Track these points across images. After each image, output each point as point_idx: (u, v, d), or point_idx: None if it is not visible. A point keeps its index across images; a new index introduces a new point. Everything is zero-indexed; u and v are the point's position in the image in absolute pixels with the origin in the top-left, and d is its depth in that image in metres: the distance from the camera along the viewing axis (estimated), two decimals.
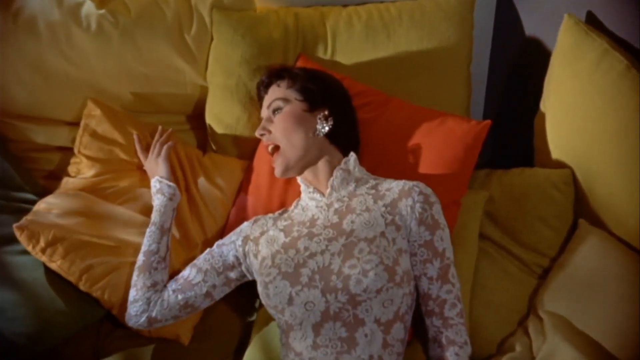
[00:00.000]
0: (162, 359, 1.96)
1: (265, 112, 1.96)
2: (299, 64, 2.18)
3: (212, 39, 2.19)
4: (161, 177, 2.01)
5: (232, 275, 1.90)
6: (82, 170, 2.08)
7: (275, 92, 1.95)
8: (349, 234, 1.74)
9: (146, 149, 2.11)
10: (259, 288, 1.78)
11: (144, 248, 1.92)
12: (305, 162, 1.88)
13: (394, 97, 2.16)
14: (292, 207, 1.95)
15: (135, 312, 1.88)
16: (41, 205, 1.96)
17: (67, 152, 2.16)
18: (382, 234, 1.73)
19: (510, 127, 2.48)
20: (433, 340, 1.76)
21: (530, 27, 2.37)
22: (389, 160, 2.05)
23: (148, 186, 2.07)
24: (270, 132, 1.91)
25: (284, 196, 2.10)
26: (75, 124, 2.16)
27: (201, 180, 2.13)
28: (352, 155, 1.90)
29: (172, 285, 1.90)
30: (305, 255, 1.74)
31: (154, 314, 1.87)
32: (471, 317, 1.95)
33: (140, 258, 1.92)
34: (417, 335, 1.87)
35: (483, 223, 2.08)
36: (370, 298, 1.65)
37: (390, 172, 1.97)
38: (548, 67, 2.08)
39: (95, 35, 2.10)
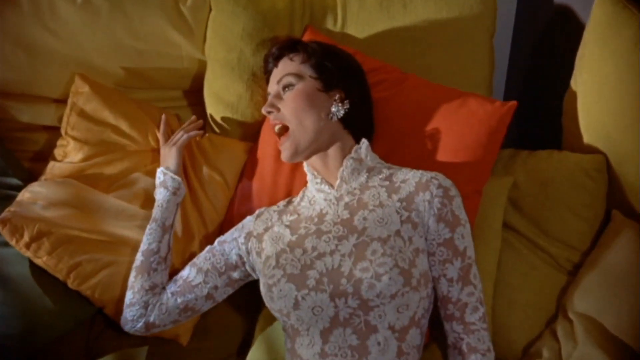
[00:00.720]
0: (160, 359, 1.91)
1: (274, 88, 1.84)
2: (306, 37, 2.07)
3: (210, 10, 2.09)
4: (167, 168, 1.91)
5: (236, 275, 1.82)
6: (69, 154, 1.98)
7: (287, 67, 1.84)
8: (361, 233, 1.65)
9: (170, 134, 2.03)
10: (262, 290, 1.69)
11: (143, 247, 1.85)
12: (316, 147, 1.78)
13: (410, 74, 2.04)
14: (298, 198, 1.85)
15: (132, 317, 1.81)
16: (25, 194, 1.87)
17: (54, 131, 2.07)
18: (397, 232, 1.63)
19: (535, 104, 2.42)
20: (453, 347, 1.66)
21: None
22: (404, 145, 1.94)
23: (142, 170, 1.98)
24: (278, 110, 1.79)
25: (290, 183, 1.99)
26: (62, 101, 2.07)
27: (200, 165, 2.03)
28: (364, 142, 1.79)
29: (170, 288, 1.83)
30: (313, 256, 1.65)
31: (151, 319, 1.81)
32: (494, 317, 1.90)
33: (139, 258, 1.84)
34: (434, 338, 1.80)
35: (506, 211, 1.99)
36: (383, 303, 1.56)
37: (405, 158, 1.90)
38: (580, 42, 1.98)
39: (81, 6, 2.00)
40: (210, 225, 2.01)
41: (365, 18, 2.11)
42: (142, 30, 2.04)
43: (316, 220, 1.73)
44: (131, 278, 1.83)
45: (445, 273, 1.64)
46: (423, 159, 1.90)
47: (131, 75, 2.12)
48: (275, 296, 1.62)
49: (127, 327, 1.82)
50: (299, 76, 1.80)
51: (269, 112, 1.81)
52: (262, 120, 2.06)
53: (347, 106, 1.79)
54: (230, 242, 1.82)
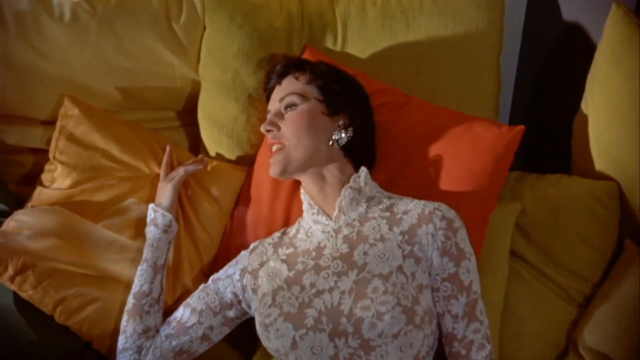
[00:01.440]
0: None
1: (275, 106, 1.79)
2: (305, 56, 2.01)
3: (204, 28, 2.04)
4: (158, 204, 1.85)
5: (231, 314, 1.77)
6: (57, 179, 1.92)
7: (292, 85, 1.79)
8: (361, 269, 1.59)
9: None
10: (258, 329, 1.63)
11: (134, 289, 1.79)
12: (308, 167, 1.73)
13: (413, 97, 1.99)
14: (294, 230, 1.79)
15: None
16: (10, 223, 1.82)
17: (42, 154, 2.01)
18: (400, 268, 1.58)
19: (543, 126, 2.38)
20: None
21: (570, 11, 2.25)
22: (407, 172, 1.89)
23: (134, 198, 1.93)
24: (279, 128, 1.74)
25: (288, 209, 1.93)
26: (50, 123, 2.01)
27: (193, 190, 1.97)
28: (363, 170, 1.74)
29: (164, 330, 1.78)
30: (311, 293, 1.60)
31: None
32: (501, 351, 1.86)
33: (130, 300, 1.79)
34: None
35: (514, 238, 1.94)
36: (386, 343, 1.50)
37: (408, 186, 1.86)
38: (592, 62, 1.94)
39: (69, 25, 1.94)
40: (204, 254, 1.95)
41: (367, 36, 2.06)
42: (133, 49, 1.99)
43: (314, 254, 1.67)
44: (123, 322, 1.78)
45: (450, 309, 1.59)
46: (426, 187, 1.85)
47: (122, 95, 2.06)
48: (272, 336, 1.57)
49: None
50: (304, 96, 1.75)
51: (269, 131, 1.75)
52: (259, 144, 2.00)
53: (350, 134, 1.74)
54: (225, 280, 1.76)
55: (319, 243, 1.68)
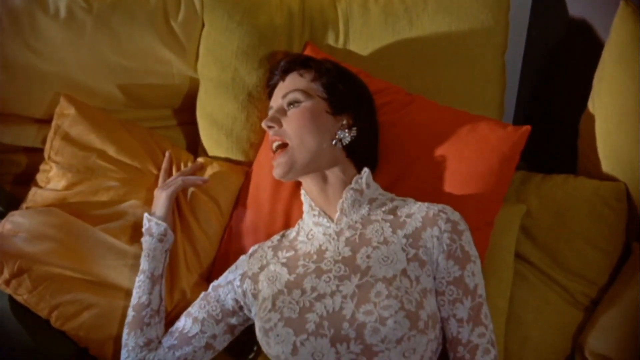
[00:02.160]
0: None
1: (277, 102, 1.77)
2: (306, 53, 2.00)
3: (203, 26, 2.02)
4: (152, 213, 1.84)
5: (234, 321, 1.75)
6: (52, 180, 1.91)
7: (296, 82, 1.77)
8: (364, 273, 1.57)
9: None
10: (258, 334, 1.61)
11: (133, 301, 1.77)
12: (312, 169, 1.71)
13: (417, 96, 1.98)
14: (294, 232, 1.78)
15: None
16: (6, 225, 1.79)
17: (37, 153, 2.00)
18: (404, 271, 1.56)
19: (548, 125, 2.36)
20: None
21: (576, 8, 2.23)
22: (410, 173, 1.87)
23: (131, 200, 1.91)
24: (280, 125, 1.72)
25: (289, 210, 1.91)
26: (45, 121, 2.00)
27: (191, 191, 1.94)
28: (366, 172, 1.72)
29: (167, 341, 1.76)
30: (312, 297, 1.57)
31: None
32: (506, 356, 1.84)
33: (130, 313, 1.77)
34: None
35: (519, 241, 1.92)
36: (388, 348, 1.48)
37: (412, 187, 1.84)
38: (599, 61, 1.92)
39: (65, 22, 1.92)
40: (202, 256, 1.93)
41: (369, 34, 2.05)
42: (130, 46, 1.98)
43: (315, 257, 1.65)
44: (124, 335, 1.76)
45: (455, 313, 1.57)
46: (430, 188, 1.84)
47: (119, 94, 2.05)
48: (272, 342, 1.55)
49: None
50: (308, 94, 1.73)
51: (270, 127, 1.73)
52: (259, 143, 1.99)
53: (354, 133, 1.72)
54: (225, 286, 1.74)
55: (320, 246, 1.66)
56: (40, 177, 1.92)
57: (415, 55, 2.04)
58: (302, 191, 1.75)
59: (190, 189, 1.92)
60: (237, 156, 2.04)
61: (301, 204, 1.80)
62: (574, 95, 2.08)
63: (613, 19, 1.84)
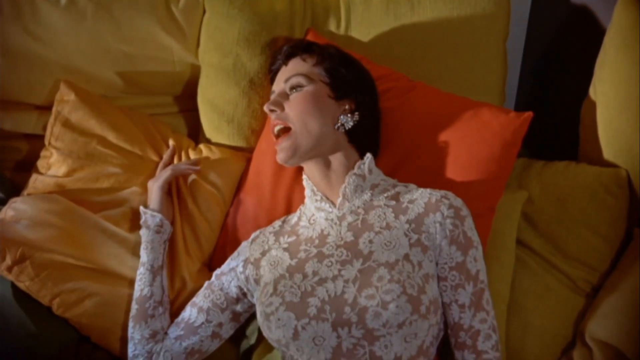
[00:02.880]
0: None
1: (280, 86, 1.76)
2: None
3: (204, 12, 2.02)
4: (147, 205, 1.84)
5: (239, 308, 1.75)
6: (52, 166, 1.91)
7: (299, 66, 1.76)
8: (367, 257, 1.57)
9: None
10: (259, 319, 1.61)
11: (135, 294, 1.77)
12: (315, 154, 1.70)
13: (419, 82, 1.97)
14: (296, 217, 1.77)
15: None
16: (8, 212, 1.79)
17: (38, 140, 2.00)
18: (406, 256, 1.55)
19: (549, 111, 2.35)
20: None
21: None
22: (412, 159, 1.86)
23: (131, 187, 1.91)
24: (283, 109, 1.71)
25: (290, 196, 1.91)
26: (46, 108, 1.99)
27: (192, 177, 1.94)
28: (368, 157, 1.71)
29: (173, 332, 1.76)
30: (314, 282, 1.57)
31: None
32: (507, 342, 1.83)
33: (133, 306, 1.77)
34: None
35: (520, 227, 1.93)
36: (390, 333, 1.48)
37: (414, 173, 1.83)
38: (600, 47, 1.91)
39: (65, 9, 1.93)
40: (204, 242, 1.92)
41: (371, 20, 2.04)
42: (131, 32, 1.98)
43: (317, 242, 1.65)
44: (130, 329, 1.76)
45: (457, 299, 1.57)
46: (432, 174, 1.83)
47: (119, 80, 2.05)
48: (273, 326, 1.55)
49: None
50: (310, 78, 1.72)
51: (272, 111, 1.72)
52: (260, 129, 1.98)
53: (356, 118, 1.71)
54: (229, 274, 1.74)
55: (322, 231, 1.66)
56: (40, 164, 1.92)
57: (417, 42, 2.03)
58: (304, 176, 1.74)
59: (192, 176, 1.92)
60: (239, 142, 2.04)
61: (302, 189, 1.80)
62: (576, 82, 2.08)
63: (614, 5, 1.83)
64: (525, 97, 2.54)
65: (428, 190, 1.65)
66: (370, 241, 1.59)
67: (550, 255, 1.89)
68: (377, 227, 1.61)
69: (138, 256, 1.80)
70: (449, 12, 2.02)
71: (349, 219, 1.65)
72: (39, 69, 1.97)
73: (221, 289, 1.73)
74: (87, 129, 1.92)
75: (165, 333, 1.75)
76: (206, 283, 1.76)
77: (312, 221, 1.70)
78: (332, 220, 1.66)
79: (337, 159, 1.70)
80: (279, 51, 1.84)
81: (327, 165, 1.70)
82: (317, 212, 1.69)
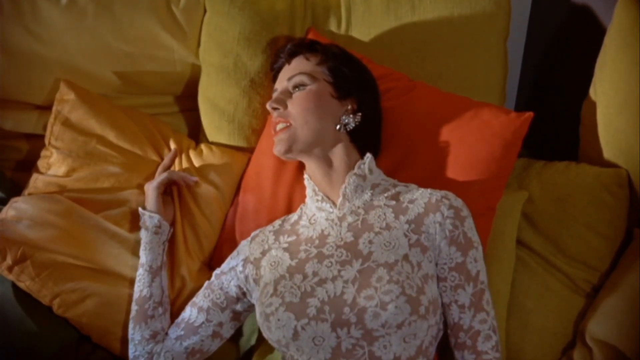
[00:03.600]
0: None
1: (283, 84, 1.76)
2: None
3: (204, 11, 2.02)
4: (144, 207, 1.83)
5: (239, 307, 1.75)
6: (52, 166, 1.91)
7: (302, 65, 1.75)
8: (366, 258, 1.57)
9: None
10: (259, 319, 1.61)
11: (134, 295, 1.77)
12: (313, 149, 1.70)
13: (419, 82, 1.97)
14: (296, 216, 1.76)
15: None
16: (9, 212, 1.78)
17: (38, 139, 1.99)
18: (405, 257, 1.55)
19: (549, 111, 2.34)
20: None
21: None
22: (413, 159, 1.86)
23: (131, 187, 1.91)
24: (285, 107, 1.70)
25: (291, 196, 1.90)
26: (46, 108, 1.99)
27: (193, 177, 1.93)
28: (368, 157, 1.71)
29: (173, 332, 1.75)
30: (314, 282, 1.57)
31: None
32: (507, 342, 1.84)
33: (133, 307, 1.77)
34: None
35: (521, 227, 1.92)
36: (389, 333, 1.48)
37: (414, 173, 1.83)
38: (601, 47, 1.91)
39: (66, 7, 1.93)
40: (204, 241, 1.92)
41: (371, 20, 2.03)
42: (131, 32, 1.97)
43: (317, 242, 1.64)
44: (130, 330, 1.75)
45: (456, 299, 1.57)
46: (433, 174, 1.83)
47: (120, 80, 2.04)
48: (273, 326, 1.55)
49: None
50: (313, 77, 1.71)
51: (275, 109, 1.71)
52: (260, 129, 1.98)
53: (358, 119, 1.71)
54: (228, 273, 1.74)
55: (322, 231, 1.66)
56: (41, 163, 1.92)
57: (417, 42, 2.02)
58: (305, 176, 1.74)
59: (192, 174, 1.91)
60: (239, 142, 2.03)
61: (303, 189, 1.79)
62: (576, 82, 2.07)
63: (615, 5, 1.83)
64: (525, 97, 2.53)
65: (428, 190, 1.65)
66: (370, 241, 1.58)
67: (551, 255, 1.88)
68: (376, 227, 1.61)
69: (138, 256, 1.79)
70: (449, 12, 2.01)
71: (349, 219, 1.64)
72: (39, 69, 1.97)
73: (221, 289, 1.72)
74: (87, 129, 1.91)
75: (166, 333, 1.75)
76: (206, 283, 1.76)
77: (312, 221, 1.69)
78: (332, 220, 1.66)
79: (338, 158, 1.69)
80: (282, 49, 1.83)
81: (329, 164, 1.70)
82: (318, 212, 1.68)
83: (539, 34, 2.44)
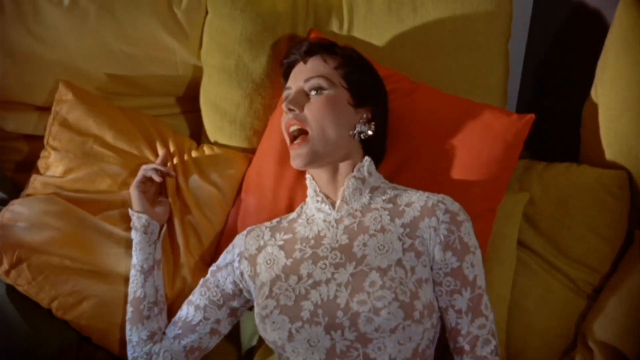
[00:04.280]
0: None
1: (299, 84, 1.71)
2: None
3: (206, 13, 2.00)
4: (131, 208, 1.81)
5: (235, 304, 1.74)
6: (50, 166, 1.90)
7: (320, 67, 1.71)
8: (360, 261, 1.56)
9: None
10: (256, 320, 1.62)
11: (129, 297, 1.76)
12: (331, 160, 1.67)
13: (421, 83, 1.96)
14: (295, 214, 1.76)
15: None
16: (6, 214, 1.77)
17: (38, 141, 1.98)
18: (399, 261, 1.54)
19: (550, 113, 2.32)
20: None
21: None
22: (414, 161, 1.85)
23: (128, 188, 1.87)
24: (302, 110, 1.67)
25: (292, 197, 1.90)
26: (47, 109, 1.98)
27: (194, 178, 1.93)
28: (367, 160, 1.69)
29: (171, 331, 1.75)
30: (308, 284, 1.57)
31: None
32: (508, 344, 1.83)
33: (129, 309, 1.76)
34: None
35: (522, 228, 1.92)
36: (383, 337, 1.49)
37: (415, 175, 1.83)
38: (602, 48, 1.90)
39: (68, 9, 1.92)
40: (206, 242, 1.91)
41: (373, 21, 2.02)
42: (133, 34, 1.97)
43: (312, 242, 1.64)
44: (127, 332, 1.75)
45: (453, 304, 1.56)
46: (434, 176, 1.82)
47: (121, 81, 2.04)
48: (268, 328, 1.56)
49: None
50: (332, 82, 1.68)
51: (291, 110, 1.67)
52: (262, 130, 1.97)
53: (373, 128, 1.69)
54: (224, 269, 1.73)
55: (319, 232, 1.65)
56: (40, 164, 1.92)
57: (419, 43, 2.02)
58: (308, 175, 1.72)
59: (194, 175, 1.91)
60: (241, 143, 2.03)
61: (304, 189, 1.78)
62: (577, 84, 2.07)
63: (616, 6, 1.82)
64: (526, 98, 2.52)
65: (426, 193, 1.63)
66: (364, 244, 1.58)
67: (552, 256, 1.88)
68: (371, 229, 1.60)
69: None
70: (451, 13, 2.00)
71: (346, 222, 1.64)
72: (40, 70, 1.96)
73: (217, 286, 1.72)
74: (84, 129, 1.91)
75: (164, 333, 1.75)
76: (201, 280, 1.75)
77: (310, 220, 1.69)
78: (329, 222, 1.65)
79: (346, 165, 1.68)
80: (297, 46, 1.79)
81: (336, 169, 1.68)
82: (317, 213, 1.68)
83: (541, 36, 2.43)
